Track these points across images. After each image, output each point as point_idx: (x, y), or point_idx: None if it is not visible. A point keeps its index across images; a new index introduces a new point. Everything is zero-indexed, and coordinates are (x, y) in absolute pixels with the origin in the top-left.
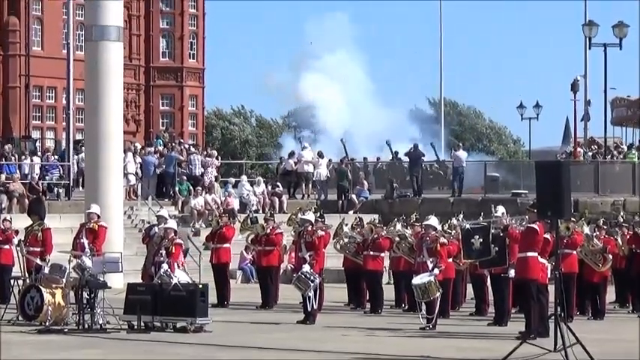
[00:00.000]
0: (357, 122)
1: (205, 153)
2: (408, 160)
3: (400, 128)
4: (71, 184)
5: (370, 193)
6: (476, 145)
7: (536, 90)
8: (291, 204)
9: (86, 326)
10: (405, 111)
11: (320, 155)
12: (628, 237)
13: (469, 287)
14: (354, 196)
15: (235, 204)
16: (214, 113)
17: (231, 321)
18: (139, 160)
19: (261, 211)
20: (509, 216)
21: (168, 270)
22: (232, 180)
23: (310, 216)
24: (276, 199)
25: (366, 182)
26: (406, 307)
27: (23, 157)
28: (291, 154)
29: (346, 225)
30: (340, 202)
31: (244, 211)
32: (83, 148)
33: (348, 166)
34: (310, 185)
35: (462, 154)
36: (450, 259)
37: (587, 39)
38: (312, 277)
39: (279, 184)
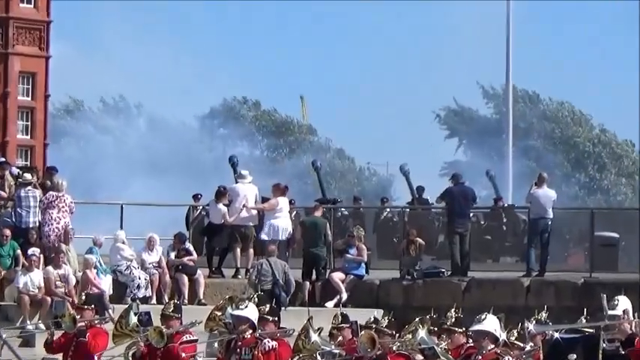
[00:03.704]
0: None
1: (49, 185)
2: (443, 204)
3: (422, 140)
4: None
5: (369, 266)
6: (573, 175)
7: None
8: (214, 286)
9: None
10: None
11: (278, 192)
12: None
13: None
14: (335, 275)
15: (106, 284)
16: (66, 108)
17: None
18: None
19: (154, 299)
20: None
21: None
22: (100, 238)
23: (249, 311)
24: (185, 277)
25: (363, 246)
26: None
27: None
28: (219, 194)
29: (318, 330)
30: (307, 283)
31: (123, 299)
32: None
33: (328, 215)
34: (252, 251)
35: (545, 193)
36: None
37: None
38: None
39: (190, 247)
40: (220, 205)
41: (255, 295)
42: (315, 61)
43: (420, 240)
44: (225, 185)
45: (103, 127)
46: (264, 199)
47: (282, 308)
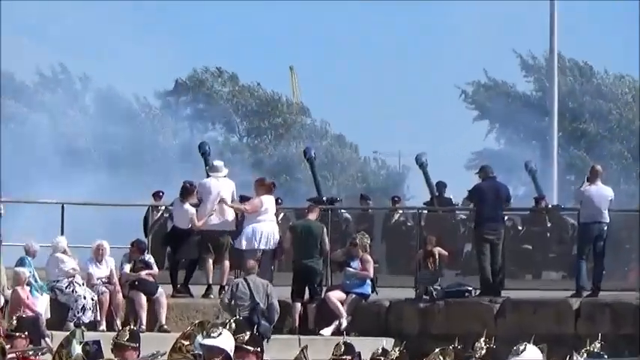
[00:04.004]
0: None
1: None
2: (470, 205)
3: (443, 123)
4: None
5: (376, 283)
6: (635, 169)
7: None
8: (179, 308)
9: None
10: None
11: (262, 189)
12: None
13: None
14: (333, 295)
15: (42, 306)
16: None
17: None
18: None
19: (104, 324)
20: None
21: None
22: (33, 245)
23: (224, 340)
24: (142, 297)
25: (369, 258)
26: None
27: None
28: (186, 191)
29: None
30: (298, 305)
31: (64, 324)
32: None
33: (325, 218)
34: (227, 263)
35: (600, 191)
36: None
37: None
38: None
39: (150, 259)
40: (187, 206)
41: (232, 320)
42: (308, 23)
43: (440, 250)
44: (193, 181)
45: (38, 105)
46: (244, 198)
47: (264, 340)
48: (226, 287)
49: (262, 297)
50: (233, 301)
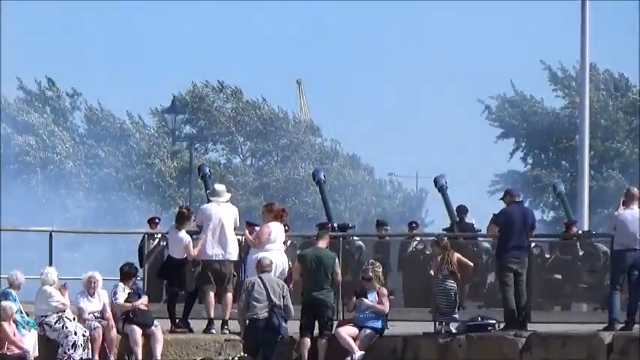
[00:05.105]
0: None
1: None
2: (496, 231)
3: (465, 143)
4: None
5: (387, 317)
6: None
7: None
8: (178, 344)
9: None
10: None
11: (270, 215)
12: None
13: None
14: (344, 330)
15: (30, 342)
16: None
17: None
18: None
19: None
20: None
21: None
22: (18, 277)
23: None
24: (137, 331)
25: (384, 290)
26: None
27: None
28: (182, 217)
29: None
30: (307, 340)
31: None
32: None
33: (337, 246)
34: (230, 296)
35: (636, 216)
36: None
37: None
38: None
39: (140, 285)
40: (182, 234)
41: (237, 357)
42: (317, 34)
43: (461, 257)
44: (190, 206)
45: (23, 126)
46: (249, 225)
47: (282, 338)
48: (241, 289)
49: (279, 297)
50: (248, 304)
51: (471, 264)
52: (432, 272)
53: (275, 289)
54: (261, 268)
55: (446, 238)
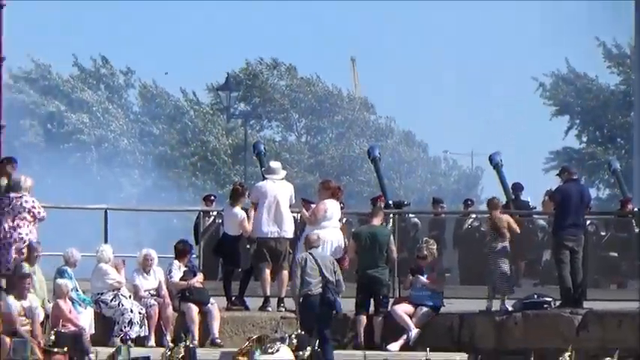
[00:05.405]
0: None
1: (6, 184)
2: (551, 208)
3: (519, 120)
4: None
5: (442, 294)
6: None
7: None
8: (234, 321)
9: None
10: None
11: (327, 193)
12: None
13: None
14: (400, 307)
15: (85, 320)
16: (27, 76)
17: None
18: None
19: (152, 339)
20: None
21: None
22: (74, 254)
23: (282, 357)
24: (194, 309)
25: (441, 266)
26: None
27: None
28: (236, 193)
29: None
30: (363, 318)
31: (110, 339)
32: None
33: (392, 224)
34: (286, 273)
35: None
36: None
37: None
38: None
39: (195, 260)
40: (237, 210)
41: (293, 335)
42: (371, 9)
43: (510, 220)
44: (244, 183)
45: (78, 102)
46: (306, 202)
47: (337, 314)
48: (294, 265)
49: (330, 273)
50: (302, 280)
51: (517, 229)
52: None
53: (327, 265)
54: (310, 244)
55: (496, 199)
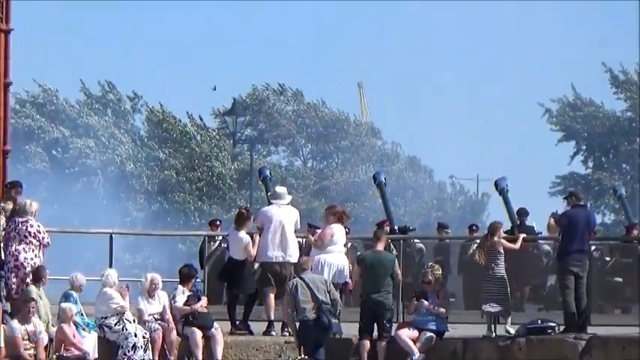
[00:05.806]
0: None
1: (11, 208)
2: (556, 234)
3: (526, 146)
4: None
5: (447, 319)
6: None
7: None
8: (238, 346)
9: None
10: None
11: (333, 218)
12: None
13: None
14: (404, 332)
15: (89, 344)
16: (33, 100)
17: None
18: None
19: None
20: None
21: None
22: (79, 279)
23: None
24: (197, 333)
25: (446, 291)
26: None
27: None
28: (241, 218)
29: None
30: (367, 342)
31: None
32: None
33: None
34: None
35: None
36: None
37: None
38: None
39: (200, 285)
40: (242, 234)
41: (297, 359)
42: (378, 35)
43: (505, 242)
44: (249, 207)
45: (84, 128)
46: (311, 228)
47: (337, 335)
48: (285, 295)
49: (324, 294)
50: (295, 309)
51: (514, 247)
52: (476, 258)
53: (319, 287)
54: (300, 266)
55: (497, 223)
